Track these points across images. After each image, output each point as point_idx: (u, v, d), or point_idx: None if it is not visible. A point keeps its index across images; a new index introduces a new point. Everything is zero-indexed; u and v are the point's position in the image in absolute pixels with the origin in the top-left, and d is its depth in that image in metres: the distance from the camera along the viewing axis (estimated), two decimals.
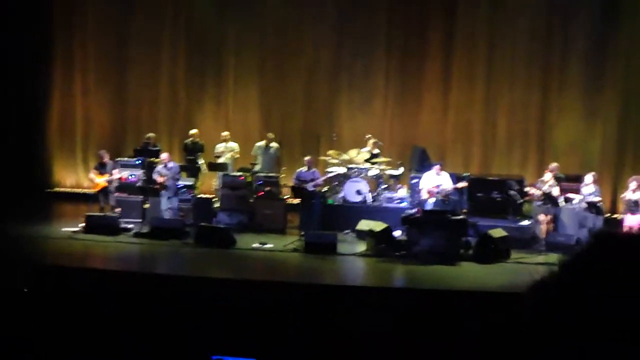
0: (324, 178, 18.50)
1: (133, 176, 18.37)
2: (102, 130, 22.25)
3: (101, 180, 17.97)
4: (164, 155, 18.14)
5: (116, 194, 18.10)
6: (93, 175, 18.22)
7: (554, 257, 15.32)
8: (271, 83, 22.06)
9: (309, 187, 17.75)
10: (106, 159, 18.20)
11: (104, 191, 17.97)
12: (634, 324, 1.55)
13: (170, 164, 17.81)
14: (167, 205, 17.49)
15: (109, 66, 22.29)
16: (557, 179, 17.40)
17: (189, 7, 22.20)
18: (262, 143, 20.08)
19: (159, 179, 17.54)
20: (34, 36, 21.83)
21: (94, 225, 16.65)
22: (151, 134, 20.36)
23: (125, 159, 19.14)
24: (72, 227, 16.88)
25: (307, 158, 18.44)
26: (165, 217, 17.36)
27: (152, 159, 19.09)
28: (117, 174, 18.08)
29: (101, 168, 18.11)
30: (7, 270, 12.28)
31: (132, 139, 21.41)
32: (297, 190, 17.96)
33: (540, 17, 21.18)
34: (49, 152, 22.42)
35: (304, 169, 18.22)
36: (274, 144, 20.08)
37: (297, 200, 18.30)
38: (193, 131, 20.46)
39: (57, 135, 22.46)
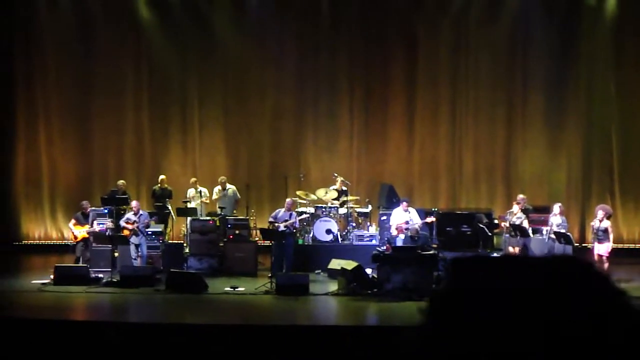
0: (298, 219, 18.41)
1: (101, 225, 18.27)
2: (69, 180, 22.12)
3: (82, 231, 17.88)
4: (134, 204, 18.08)
5: (89, 244, 18.00)
6: (72, 226, 18.12)
7: None
8: (236, 127, 22.14)
9: (281, 227, 17.70)
10: (88, 209, 18.15)
11: (85, 242, 17.89)
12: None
13: (140, 212, 17.76)
14: (136, 253, 17.40)
15: (73, 116, 22.22)
16: (525, 211, 17.56)
17: (150, 57, 22.21)
18: (218, 188, 20.07)
19: (128, 226, 17.46)
20: None
21: (64, 277, 16.48)
22: (121, 182, 20.30)
23: (93, 208, 19.04)
24: (41, 280, 16.72)
25: (288, 200, 18.31)
26: (135, 265, 17.27)
27: (120, 207, 19.01)
28: (97, 224, 18.01)
29: (83, 219, 18.03)
30: None
31: (99, 188, 21.29)
32: (267, 232, 17.93)
33: (501, 54, 21.54)
34: (16, 205, 22.24)
35: (282, 210, 18.12)
36: (229, 186, 20.07)
37: (267, 242, 18.29)
38: (161, 177, 20.44)
39: (23, 187, 22.29)
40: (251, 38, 21.97)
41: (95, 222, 18.04)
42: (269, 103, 22.03)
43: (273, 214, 18.21)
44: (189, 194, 20.10)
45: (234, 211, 19.88)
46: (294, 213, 18.17)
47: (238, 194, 20.06)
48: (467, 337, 1.62)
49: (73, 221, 18.25)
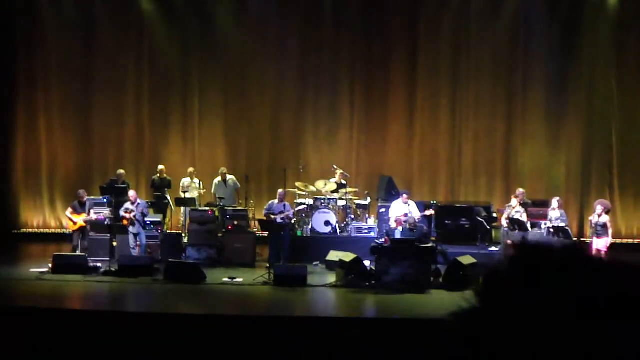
0: (294, 211, 18.50)
1: (99, 214, 18.26)
2: (68, 170, 22.09)
3: (79, 220, 17.89)
4: (131, 193, 18.08)
5: (88, 233, 18.01)
6: (70, 214, 18.12)
7: None
8: (236, 118, 22.12)
9: (278, 219, 17.72)
10: (85, 198, 18.15)
11: (81, 231, 17.90)
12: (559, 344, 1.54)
13: (138, 201, 17.75)
14: (134, 243, 17.41)
15: (73, 107, 22.16)
16: (524, 205, 17.58)
17: (151, 48, 22.17)
18: (219, 179, 20.07)
19: (126, 216, 17.47)
20: None
21: (62, 265, 16.49)
22: (121, 171, 20.28)
23: (92, 197, 19.03)
24: (40, 268, 16.72)
25: (280, 191, 18.38)
26: (133, 254, 17.28)
27: (119, 197, 18.99)
28: (93, 213, 18.01)
29: (80, 207, 18.03)
30: None
31: (99, 179, 21.23)
32: (265, 223, 17.95)
33: (502, 47, 21.52)
34: (15, 193, 22.23)
35: (276, 201, 18.18)
36: (230, 177, 20.07)
37: (266, 233, 18.30)
38: (160, 167, 20.43)
39: (23, 176, 22.26)
40: (252, 30, 21.94)
41: (92, 211, 18.03)
42: (269, 95, 22.01)
43: (267, 205, 18.27)
44: (184, 183, 20.03)
45: (239, 201, 19.85)
46: (287, 204, 18.22)
47: (238, 183, 20.05)
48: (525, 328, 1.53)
49: (70, 210, 18.25)
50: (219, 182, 20.00)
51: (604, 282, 1.53)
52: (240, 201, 19.89)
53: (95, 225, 18.18)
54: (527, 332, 1.50)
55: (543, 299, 1.51)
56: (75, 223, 17.93)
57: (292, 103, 22.04)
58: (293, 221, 18.72)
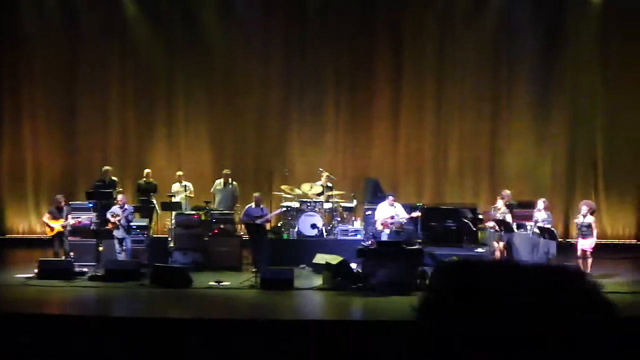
0: (272, 214, 18.59)
1: (77, 219, 18.17)
2: (53, 175, 22.03)
3: (57, 225, 17.81)
4: (120, 197, 18.06)
5: (70, 238, 17.93)
6: (47, 220, 18.04)
7: None
8: (222, 121, 22.14)
9: (265, 223, 17.76)
10: (62, 203, 18.07)
11: (59, 236, 17.81)
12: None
13: (126, 206, 17.74)
14: (120, 247, 17.38)
15: (58, 112, 22.12)
16: (510, 206, 17.62)
17: (136, 53, 22.12)
18: (221, 181, 20.10)
19: (112, 220, 17.43)
20: None
21: (48, 271, 16.42)
22: (107, 167, 20.22)
23: (78, 202, 18.99)
24: (25, 274, 16.65)
25: (256, 195, 18.57)
26: (119, 259, 17.24)
27: (104, 200, 18.92)
28: (71, 218, 17.94)
29: (57, 212, 17.95)
30: None
31: (84, 183, 21.18)
32: (248, 226, 17.97)
33: (486, 48, 21.57)
34: (1, 198, 22.15)
35: (252, 205, 18.30)
36: (233, 182, 20.11)
37: (250, 236, 18.34)
38: (146, 171, 20.40)
39: (8, 181, 22.20)
40: (237, 32, 21.94)
41: (69, 216, 17.97)
42: (254, 98, 22.02)
43: (244, 210, 18.36)
44: (174, 188, 20.11)
45: (236, 206, 19.87)
46: (265, 207, 18.31)
47: (238, 191, 20.13)
48: (458, 333, 1.63)
49: (47, 215, 18.18)
50: (220, 183, 20.02)
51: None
52: (237, 206, 19.86)
53: (81, 230, 18.11)
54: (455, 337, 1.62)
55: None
56: (52, 229, 17.86)
57: (277, 106, 22.07)
58: (279, 224, 18.73)
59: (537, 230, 16.87)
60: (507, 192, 18.00)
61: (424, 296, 1.76)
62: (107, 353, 11.44)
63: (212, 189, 20.14)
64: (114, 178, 20.25)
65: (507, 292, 1.67)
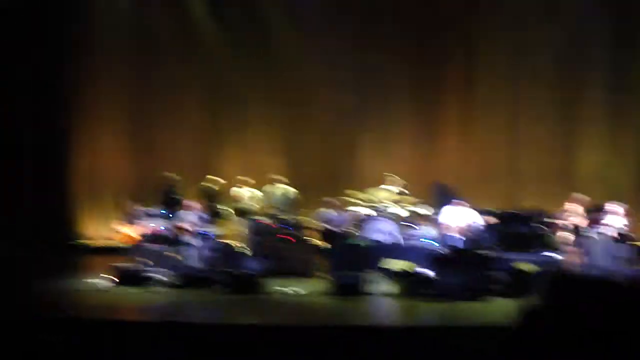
0: (350, 218, 18.56)
1: (162, 227, 18.39)
2: (127, 181, 22.34)
3: (132, 232, 18.03)
4: (191, 203, 18.22)
5: (145, 245, 18.13)
6: (122, 227, 18.28)
7: None
8: (289, 126, 22.33)
9: (335, 228, 17.76)
10: (135, 209, 18.29)
11: (134, 243, 18.02)
12: None
13: (198, 212, 17.89)
14: (194, 253, 17.51)
15: (131, 117, 22.44)
16: (585, 211, 17.32)
17: (205, 57, 22.28)
18: (272, 187, 20.15)
19: (186, 226, 17.59)
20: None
21: (123, 277, 16.65)
22: (172, 175, 20.37)
23: (150, 209, 19.20)
24: (101, 280, 16.88)
25: (330, 200, 18.53)
26: (193, 265, 17.37)
27: (174, 207, 19.10)
28: (146, 224, 18.15)
29: (129, 219, 18.17)
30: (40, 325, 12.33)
31: (155, 190, 21.38)
32: (323, 233, 17.97)
33: (560, 52, 21.28)
34: (76, 205, 22.49)
35: (330, 211, 18.31)
36: (282, 186, 20.14)
37: (321, 242, 18.36)
38: (213, 177, 20.54)
39: (86, 189, 22.53)
40: (305, 37, 22.00)
41: (146, 223, 18.16)
42: (321, 102, 22.09)
43: (321, 215, 18.36)
44: (240, 193, 20.17)
45: (295, 211, 19.89)
46: (344, 213, 18.28)
47: (293, 193, 20.12)
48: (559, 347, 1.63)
49: (122, 222, 18.43)
50: (272, 190, 20.08)
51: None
52: (302, 209, 19.86)
53: (155, 237, 18.30)
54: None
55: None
56: (128, 236, 18.07)
57: (346, 112, 22.07)
58: (349, 230, 18.70)
59: (614, 235, 16.53)
60: (581, 196, 17.71)
61: (529, 306, 1.77)
62: (181, 359, 11.54)
63: (266, 198, 20.12)
64: (178, 184, 20.35)
65: (612, 314, 1.66)
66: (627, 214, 16.81)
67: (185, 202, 18.51)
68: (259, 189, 20.42)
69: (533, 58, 21.32)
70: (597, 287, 1.79)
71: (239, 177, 20.59)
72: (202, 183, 20.42)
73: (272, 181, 20.17)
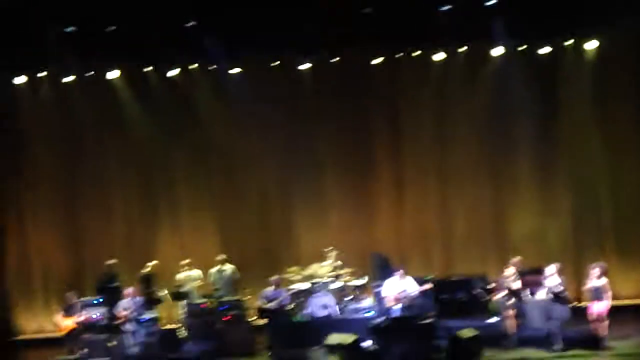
0: (289, 295, 18.53)
1: (97, 314, 18.11)
2: (60, 271, 21.98)
3: (69, 323, 17.76)
4: (129, 290, 18.02)
5: (84, 335, 17.84)
6: (59, 318, 18.00)
7: (526, 352, 15.83)
8: (224, 207, 22.22)
9: (274, 306, 17.71)
10: (74, 301, 18.06)
11: (73, 333, 17.74)
12: None
13: (136, 298, 17.73)
14: (133, 340, 17.27)
15: (61, 207, 22.18)
16: (520, 273, 17.47)
17: (135, 142, 22.20)
18: (216, 268, 20.09)
19: (123, 313, 17.38)
20: None
21: None
22: (112, 261, 20.09)
23: (87, 298, 18.94)
24: None
25: (273, 278, 18.53)
26: (132, 352, 17.12)
27: (113, 296, 18.85)
28: (85, 314, 17.90)
29: (69, 310, 17.93)
30: None
31: (91, 277, 21.03)
32: (263, 311, 17.88)
33: (484, 118, 21.71)
34: (9, 299, 22.01)
35: (271, 288, 18.28)
36: (227, 266, 20.08)
37: (263, 321, 18.24)
38: (152, 263, 20.35)
39: (15, 281, 22.07)
40: (233, 117, 22.05)
41: (83, 312, 17.94)
42: (255, 181, 22.15)
43: (263, 294, 18.33)
44: (182, 276, 20.06)
45: (235, 290, 19.74)
46: (282, 290, 18.28)
47: (237, 274, 20.07)
48: None
49: (60, 314, 18.17)
50: (215, 271, 20.00)
51: None
52: (244, 289, 19.70)
53: (91, 326, 18.02)
54: None
55: None
56: (65, 327, 17.82)
57: (279, 189, 22.17)
58: (290, 306, 18.64)
59: (550, 296, 16.67)
60: (517, 259, 17.91)
61: None
62: None
63: (209, 279, 20.06)
64: (116, 271, 20.11)
65: None
66: (560, 273, 16.95)
67: (124, 289, 18.28)
68: (201, 269, 20.27)
69: (458, 126, 21.68)
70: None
71: (181, 262, 20.41)
72: (141, 270, 20.16)
73: (217, 262, 20.09)
